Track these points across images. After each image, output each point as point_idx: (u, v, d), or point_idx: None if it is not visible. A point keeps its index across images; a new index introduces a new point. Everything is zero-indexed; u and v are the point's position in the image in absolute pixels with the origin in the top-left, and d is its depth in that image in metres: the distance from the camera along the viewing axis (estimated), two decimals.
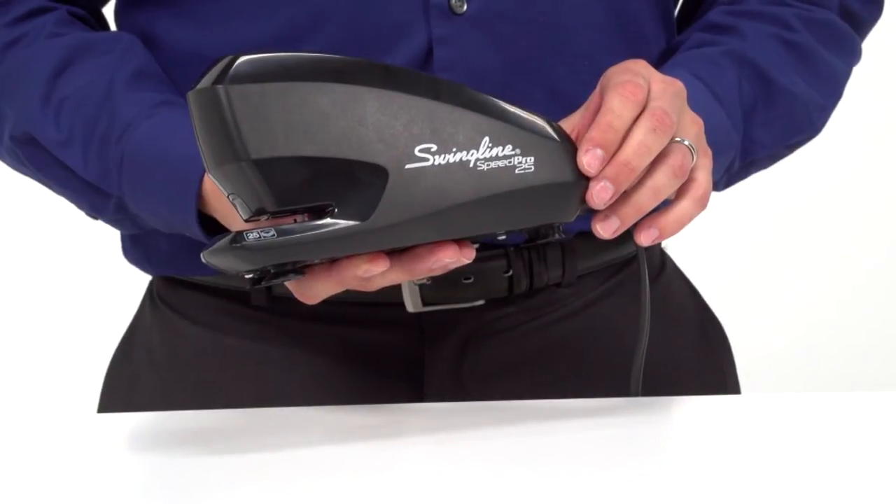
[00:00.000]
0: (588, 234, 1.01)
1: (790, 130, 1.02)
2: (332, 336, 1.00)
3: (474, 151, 0.78)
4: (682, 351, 1.07)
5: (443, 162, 0.77)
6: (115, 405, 1.06)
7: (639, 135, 0.81)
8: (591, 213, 0.83)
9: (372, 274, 0.78)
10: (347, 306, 0.99)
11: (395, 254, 0.79)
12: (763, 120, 1.00)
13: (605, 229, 0.82)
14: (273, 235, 0.75)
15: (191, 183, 0.90)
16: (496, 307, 1.01)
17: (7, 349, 2.40)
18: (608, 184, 0.80)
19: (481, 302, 1.00)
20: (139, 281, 1.11)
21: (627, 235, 0.83)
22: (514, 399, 0.98)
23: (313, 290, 0.81)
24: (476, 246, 0.81)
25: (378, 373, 1.00)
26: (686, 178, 0.84)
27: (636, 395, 0.91)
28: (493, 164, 0.78)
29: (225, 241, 0.76)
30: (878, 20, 1.09)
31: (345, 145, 0.75)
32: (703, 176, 0.85)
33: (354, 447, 0.81)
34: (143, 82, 0.96)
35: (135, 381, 1.06)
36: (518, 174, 0.79)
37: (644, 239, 0.84)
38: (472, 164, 0.78)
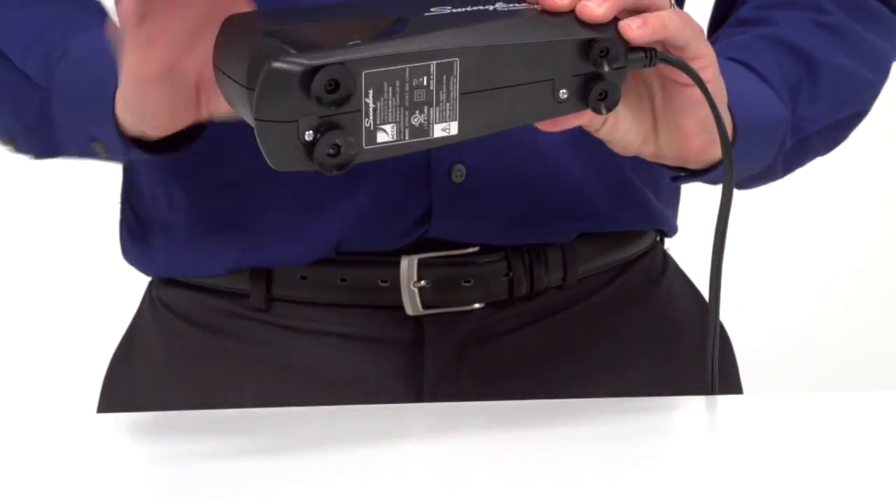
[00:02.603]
0: (589, 236, 1.02)
1: (837, 104, 1.01)
2: (331, 338, 1.00)
3: (490, 5, 0.79)
4: (684, 351, 1.07)
5: (461, 10, 0.78)
6: (115, 407, 1.06)
7: None
8: None
9: None
10: (347, 308, 0.99)
11: None
12: (809, 96, 0.99)
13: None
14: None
15: (112, 71, 0.86)
16: (496, 310, 1.00)
17: (7, 350, 2.40)
18: None
19: (481, 305, 0.99)
20: (138, 282, 1.11)
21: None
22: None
23: None
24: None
25: (377, 375, 1.00)
26: None
27: (713, 392, 0.89)
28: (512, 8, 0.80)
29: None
30: None
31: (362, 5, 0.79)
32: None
33: (354, 448, 0.81)
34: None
35: (134, 382, 1.06)
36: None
37: (628, 29, 0.80)
38: (492, 9, 0.79)
